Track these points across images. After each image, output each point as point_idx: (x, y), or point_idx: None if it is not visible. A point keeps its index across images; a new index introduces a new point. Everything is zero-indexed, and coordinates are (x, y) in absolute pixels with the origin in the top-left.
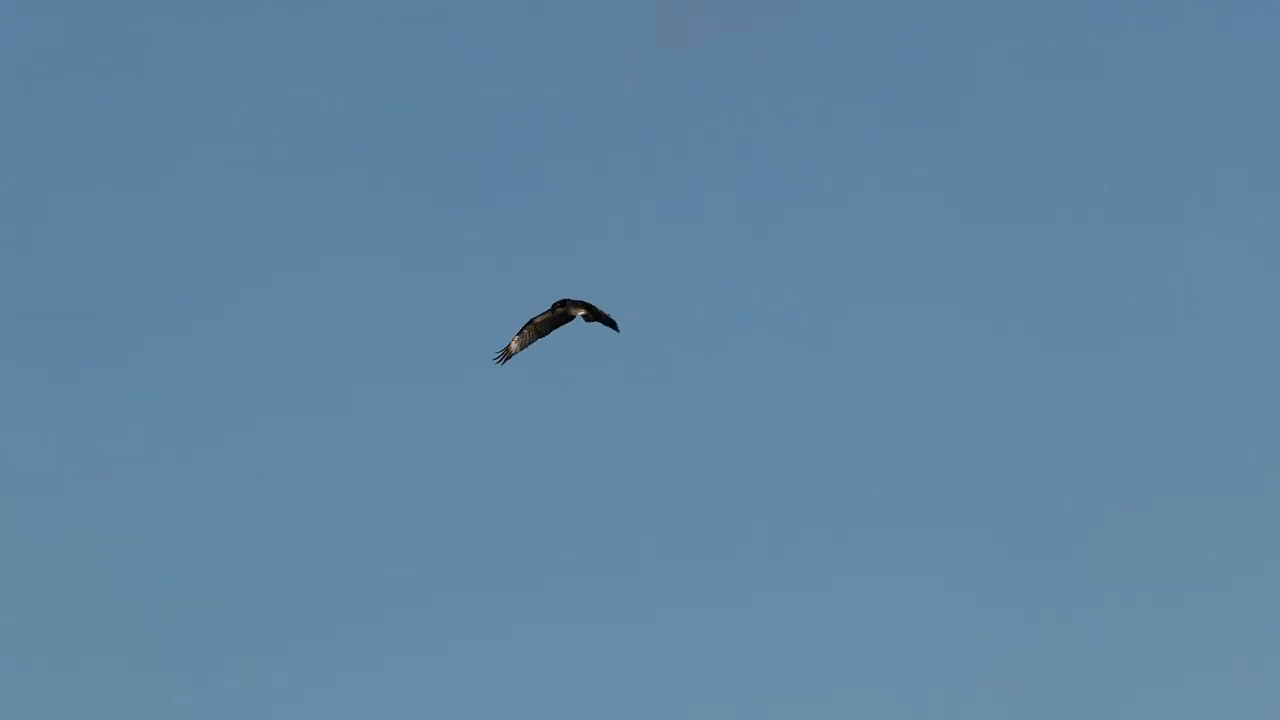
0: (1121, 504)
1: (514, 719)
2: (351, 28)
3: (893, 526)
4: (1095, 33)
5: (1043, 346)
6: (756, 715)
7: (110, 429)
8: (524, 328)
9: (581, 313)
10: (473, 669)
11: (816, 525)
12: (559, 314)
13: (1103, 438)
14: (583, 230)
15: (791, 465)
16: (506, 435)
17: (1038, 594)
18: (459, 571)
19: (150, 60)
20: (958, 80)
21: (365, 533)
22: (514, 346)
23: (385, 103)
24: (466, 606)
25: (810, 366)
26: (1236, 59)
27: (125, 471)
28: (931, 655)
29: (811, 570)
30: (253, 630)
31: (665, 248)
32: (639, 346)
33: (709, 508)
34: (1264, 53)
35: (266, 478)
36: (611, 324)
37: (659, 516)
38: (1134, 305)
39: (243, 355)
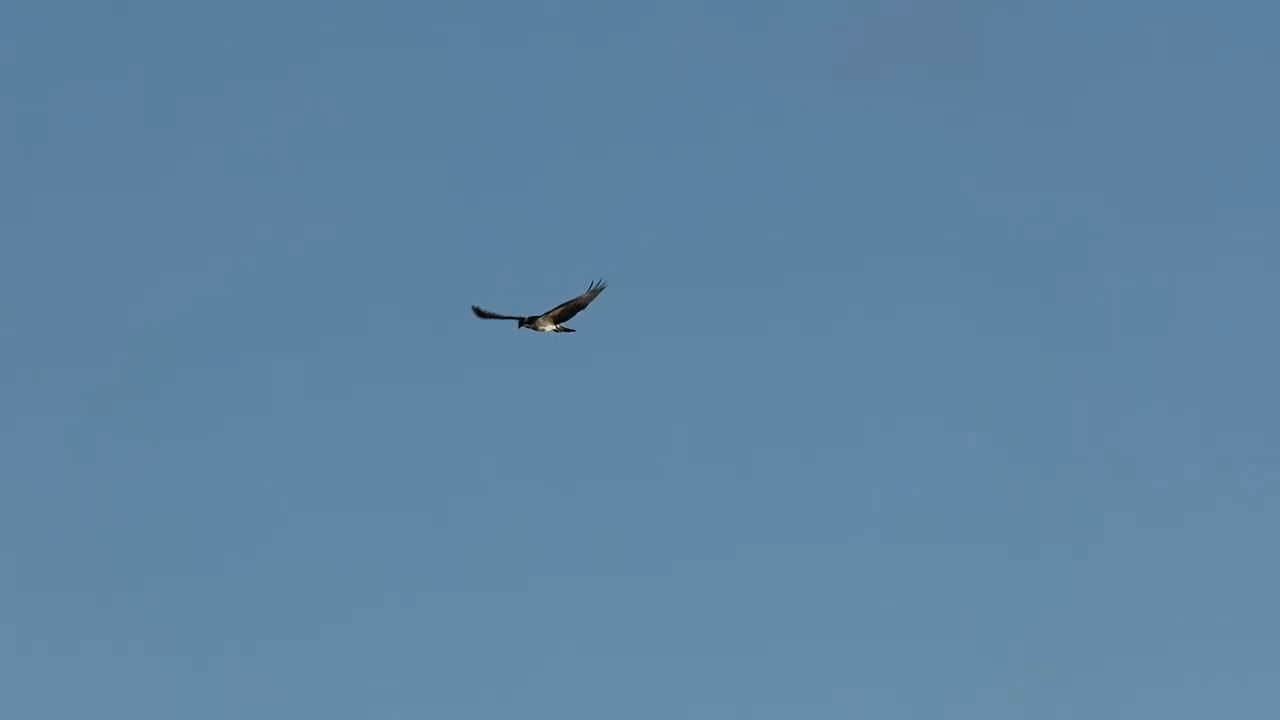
0: (1122, 570)
1: None
2: (381, 66)
3: (889, 585)
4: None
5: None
6: None
7: (121, 463)
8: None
9: (550, 327)
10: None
11: (808, 578)
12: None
13: (1102, 507)
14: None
15: (790, 508)
16: (507, 475)
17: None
18: (460, 610)
19: (182, 109)
20: (970, 144)
21: (370, 564)
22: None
23: (410, 144)
24: (466, 641)
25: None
26: (1258, 128)
27: (136, 496)
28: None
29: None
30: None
31: (660, 288)
32: (648, 377)
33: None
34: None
35: (275, 507)
36: (571, 311)
37: (662, 552)
38: (1133, 367)
39: (254, 393)
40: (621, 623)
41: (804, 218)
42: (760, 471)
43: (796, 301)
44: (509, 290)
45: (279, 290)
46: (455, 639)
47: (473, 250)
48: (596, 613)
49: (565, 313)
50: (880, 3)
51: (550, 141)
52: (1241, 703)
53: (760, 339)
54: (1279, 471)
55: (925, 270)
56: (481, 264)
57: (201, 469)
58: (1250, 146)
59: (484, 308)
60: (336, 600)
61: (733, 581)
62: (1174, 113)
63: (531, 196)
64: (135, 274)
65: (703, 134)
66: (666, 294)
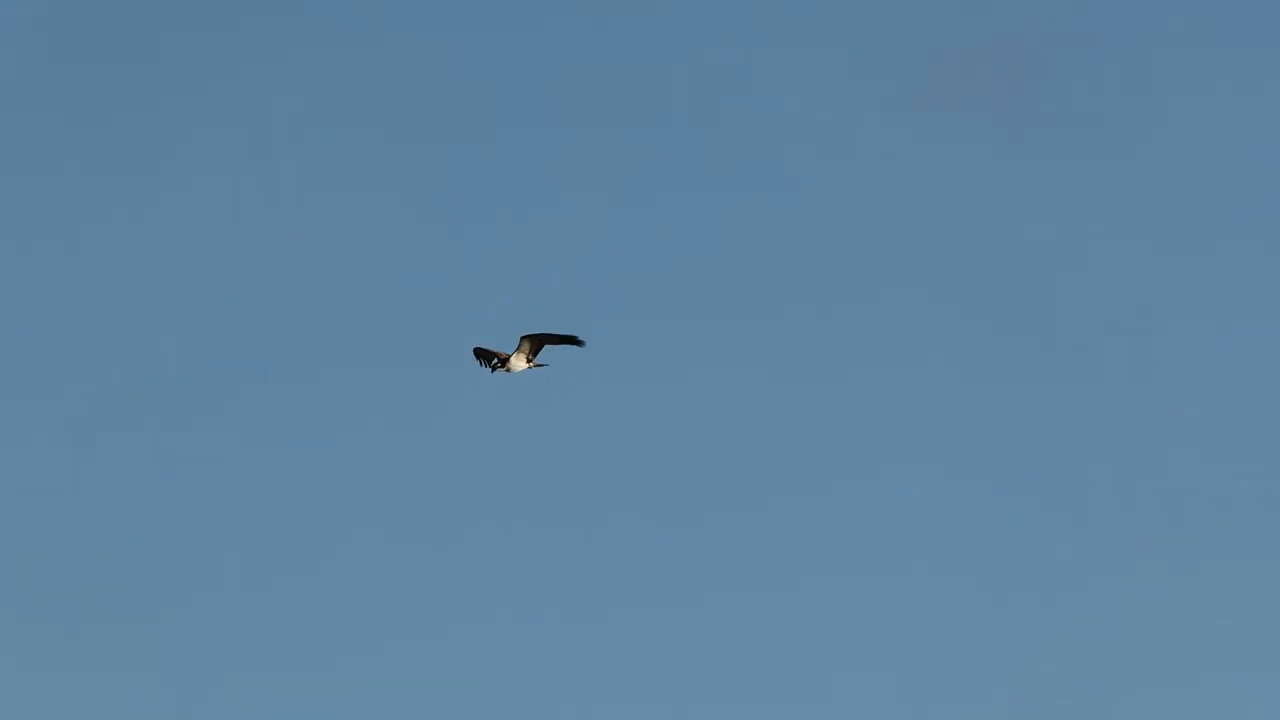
0: (1127, 607)
1: None
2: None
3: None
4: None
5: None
6: None
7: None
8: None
9: (524, 365)
10: None
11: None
12: (500, 363)
13: (1102, 538)
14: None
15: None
16: (519, 525)
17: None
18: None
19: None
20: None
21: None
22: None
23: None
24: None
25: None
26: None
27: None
28: None
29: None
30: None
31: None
32: (657, 400)
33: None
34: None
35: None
36: (572, 340)
37: (679, 601)
38: (1132, 414)
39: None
40: (624, 648)
41: (831, 244)
42: (766, 491)
43: (818, 326)
44: (510, 307)
45: (281, 308)
46: (472, 670)
47: (483, 267)
48: (603, 637)
49: (537, 345)
50: (945, 36)
51: (568, 156)
52: None
53: (779, 367)
54: None
55: (937, 301)
56: (490, 284)
57: (202, 482)
58: None
59: (484, 347)
60: (337, 612)
61: (732, 610)
62: (1219, 147)
63: (545, 213)
64: (140, 291)
65: (748, 161)
66: (694, 323)
